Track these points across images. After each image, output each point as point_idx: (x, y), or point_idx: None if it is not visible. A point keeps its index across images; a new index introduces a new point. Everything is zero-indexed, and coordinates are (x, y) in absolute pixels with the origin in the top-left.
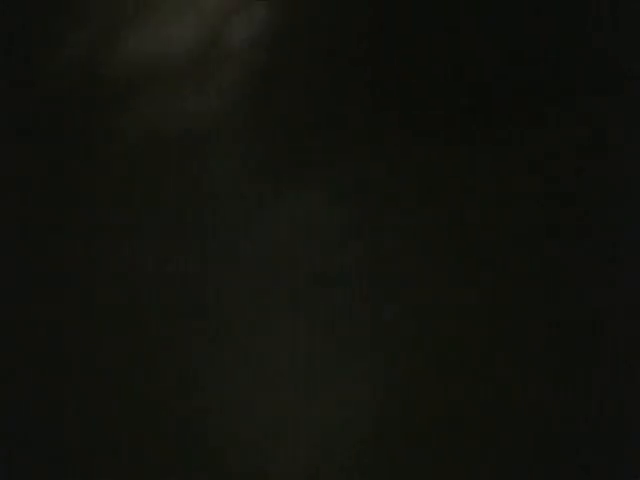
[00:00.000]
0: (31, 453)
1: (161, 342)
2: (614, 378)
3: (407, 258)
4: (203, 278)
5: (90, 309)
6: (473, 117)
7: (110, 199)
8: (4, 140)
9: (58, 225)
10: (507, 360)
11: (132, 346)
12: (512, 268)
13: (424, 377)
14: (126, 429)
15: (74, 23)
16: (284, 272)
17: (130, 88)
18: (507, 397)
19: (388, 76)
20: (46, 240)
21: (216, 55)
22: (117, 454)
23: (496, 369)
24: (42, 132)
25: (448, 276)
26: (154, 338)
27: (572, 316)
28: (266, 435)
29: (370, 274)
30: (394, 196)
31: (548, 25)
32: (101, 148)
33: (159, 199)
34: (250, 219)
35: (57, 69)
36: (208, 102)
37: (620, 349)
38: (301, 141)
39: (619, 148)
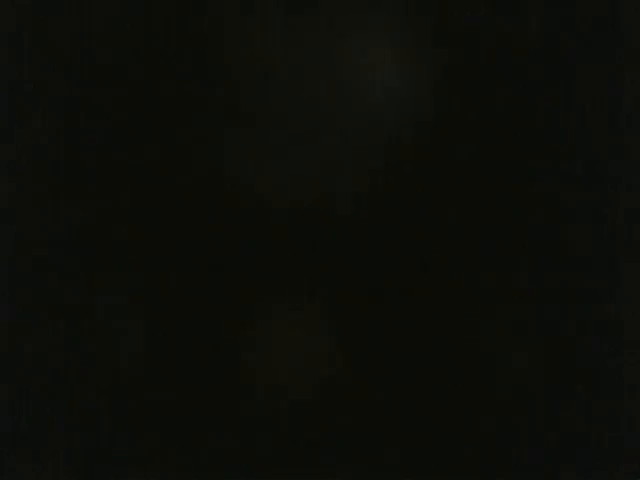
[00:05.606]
0: None
1: None
2: (614, 377)
3: None
4: None
5: None
6: None
7: None
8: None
9: None
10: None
11: None
12: None
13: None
14: None
15: None
16: None
17: None
18: (506, 396)
19: None
20: None
21: None
22: None
23: (496, 377)
24: None
25: None
26: None
27: (576, 320)
28: None
29: None
30: None
31: None
32: None
33: None
34: None
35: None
36: None
37: (621, 348)
38: None
39: None
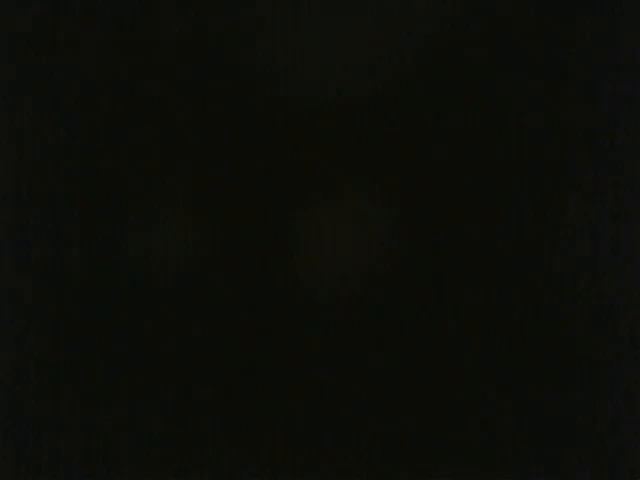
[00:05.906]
0: None
1: None
2: (614, 377)
3: None
4: None
5: None
6: None
7: None
8: None
9: None
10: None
11: None
12: None
13: None
14: None
15: None
16: None
17: None
18: (507, 398)
19: None
20: None
21: None
22: None
23: (496, 377)
24: None
25: None
26: None
27: (576, 320)
28: None
29: None
30: None
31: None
32: None
33: None
34: None
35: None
36: None
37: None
38: None
39: None
